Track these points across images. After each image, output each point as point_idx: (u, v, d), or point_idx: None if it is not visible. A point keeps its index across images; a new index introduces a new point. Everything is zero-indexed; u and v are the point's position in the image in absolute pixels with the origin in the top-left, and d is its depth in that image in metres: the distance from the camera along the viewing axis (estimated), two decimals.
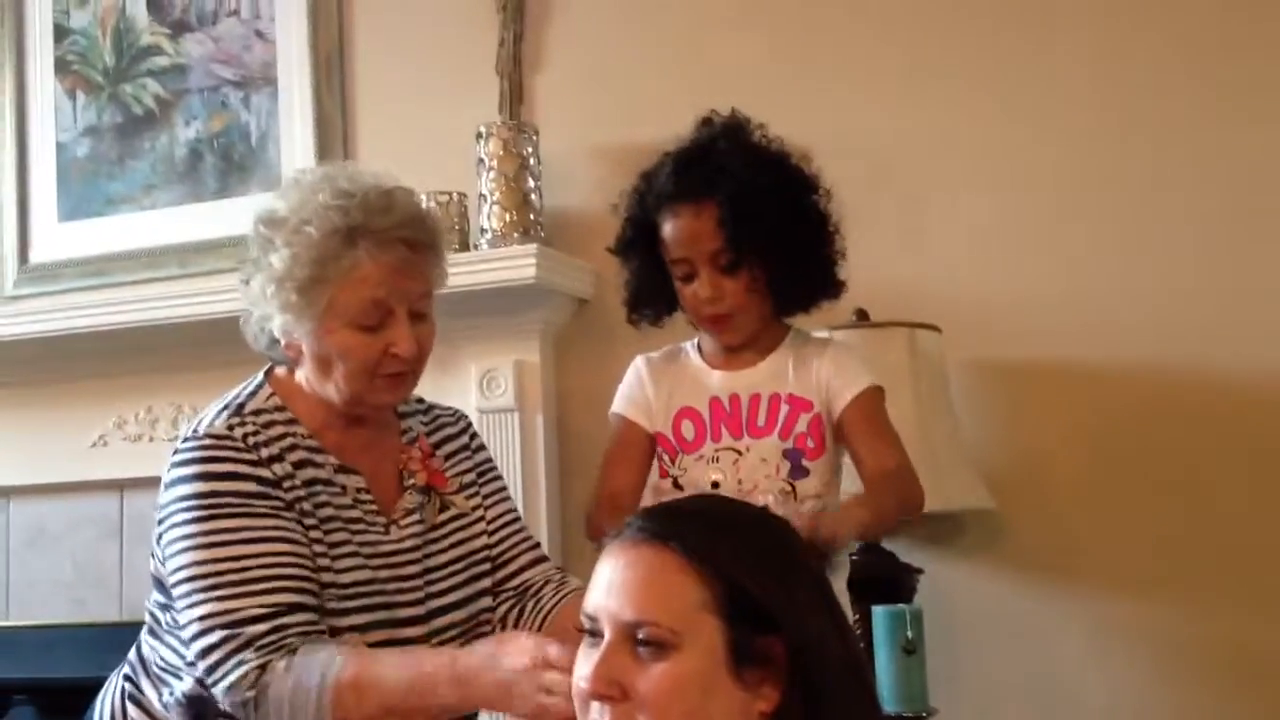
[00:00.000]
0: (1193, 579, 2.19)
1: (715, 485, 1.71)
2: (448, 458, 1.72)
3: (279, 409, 1.60)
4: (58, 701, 2.89)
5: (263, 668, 1.44)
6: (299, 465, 1.56)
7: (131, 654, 1.67)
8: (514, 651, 1.37)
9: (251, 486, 1.51)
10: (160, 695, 1.59)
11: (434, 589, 1.61)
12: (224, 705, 1.47)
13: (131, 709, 1.63)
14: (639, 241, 1.77)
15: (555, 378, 2.58)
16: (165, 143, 2.98)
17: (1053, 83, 2.34)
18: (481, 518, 1.71)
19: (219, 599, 1.47)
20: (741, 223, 1.66)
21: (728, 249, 1.67)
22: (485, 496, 1.73)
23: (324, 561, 1.52)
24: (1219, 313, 2.21)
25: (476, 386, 2.51)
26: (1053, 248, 2.32)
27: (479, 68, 2.69)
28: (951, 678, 2.23)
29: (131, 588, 2.85)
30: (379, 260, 1.54)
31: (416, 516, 1.63)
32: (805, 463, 1.71)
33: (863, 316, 2.19)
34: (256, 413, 1.58)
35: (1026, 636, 2.27)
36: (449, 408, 1.82)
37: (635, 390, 1.83)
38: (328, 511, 1.55)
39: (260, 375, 1.66)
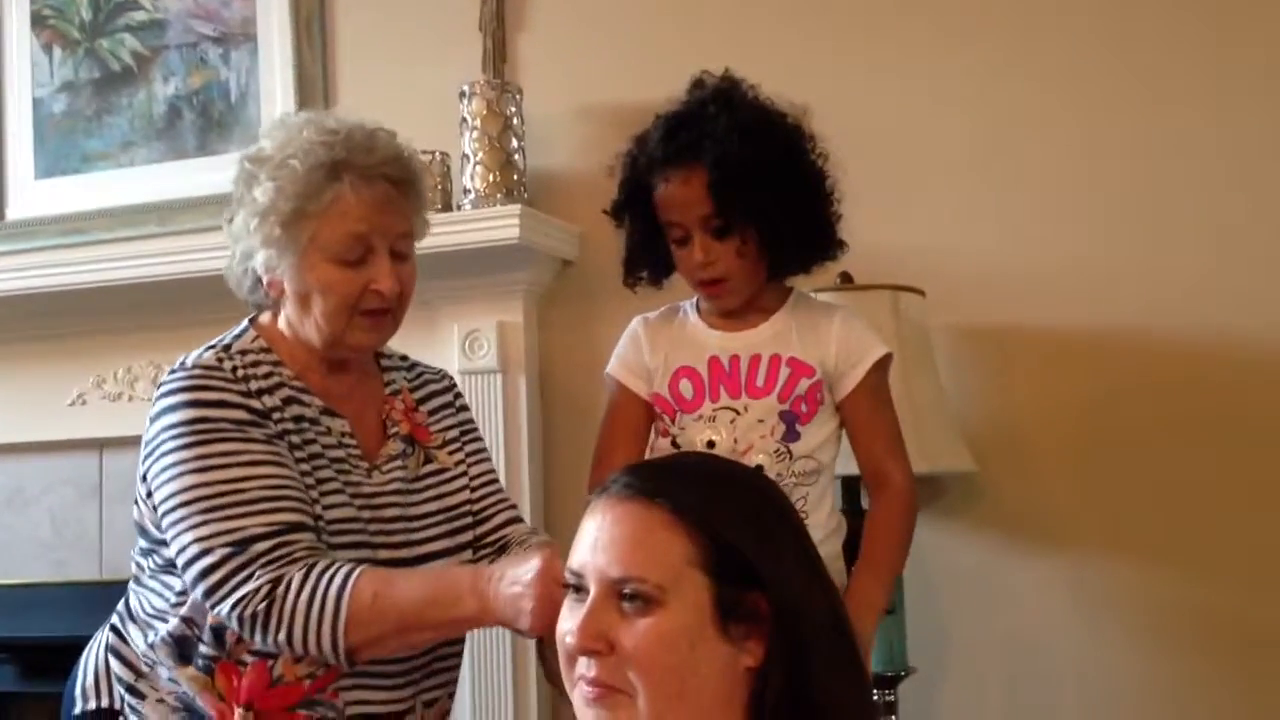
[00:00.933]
0: (1171, 544, 2.21)
1: (710, 445, 1.71)
2: (431, 413, 1.73)
3: (265, 350, 1.61)
4: (37, 660, 2.89)
5: (275, 581, 1.44)
6: (287, 402, 1.57)
7: (119, 605, 1.68)
8: (527, 568, 1.38)
9: (242, 415, 1.52)
10: (146, 638, 1.59)
11: (415, 536, 1.62)
12: (228, 622, 1.48)
13: (114, 662, 1.63)
14: (633, 204, 1.75)
15: (538, 339, 2.57)
16: (144, 99, 2.95)
17: (1042, 46, 2.34)
18: (465, 474, 1.72)
19: (219, 520, 1.47)
20: (731, 188, 1.64)
21: (718, 214, 1.66)
22: (468, 455, 1.74)
23: (313, 494, 1.53)
24: (1205, 279, 2.22)
25: (459, 347, 2.51)
26: (1038, 213, 2.32)
27: (462, 25, 2.66)
28: (931, 638, 2.26)
29: (111, 547, 2.85)
30: (361, 194, 1.55)
31: (399, 463, 1.64)
32: (799, 427, 1.71)
33: (846, 279, 2.19)
34: (243, 352, 1.59)
35: (1005, 598, 2.29)
36: (434, 367, 1.83)
37: (631, 353, 1.82)
38: (315, 449, 1.57)
39: (245, 322, 1.66)
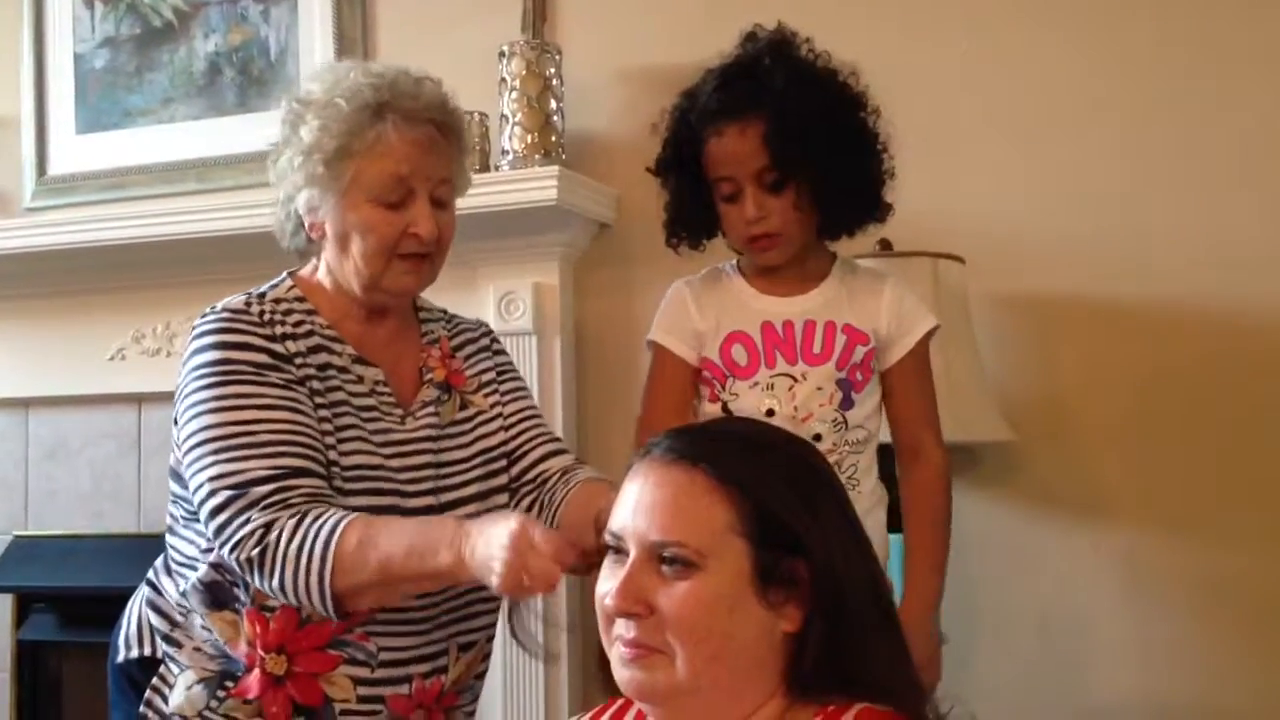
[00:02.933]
0: (1210, 517, 2.20)
1: (770, 413, 1.69)
2: (467, 358, 1.74)
3: (299, 299, 1.63)
4: (76, 610, 2.93)
5: (267, 526, 1.45)
6: (314, 350, 1.59)
7: (156, 560, 1.70)
8: (501, 529, 1.38)
9: (264, 358, 1.54)
10: (178, 586, 1.61)
11: (446, 482, 1.63)
12: (231, 564, 1.50)
13: (151, 614, 1.65)
14: (680, 161, 1.73)
15: (574, 301, 2.57)
16: (184, 56, 2.95)
17: (1082, 8, 2.30)
18: (500, 414, 1.72)
19: (227, 460, 1.49)
20: (787, 140, 1.62)
21: (773, 167, 1.64)
22: (504, 394, 1.74)
23: (329, 441, 1.54)
24: (1252, 247, 2.19)
25: (495, 308, 2.50)
26: (1079, 181, 2.29)
27: None
28: (963, 606, 2.25)
29: (149, 499, 2.89)
30: (405, 135, 1.57)
31: (432, 409, 1.66)
32: (854, 395, 1.70)
33: (886, 246, 2.17)
34: (276, 300, 1.61)
35: (1040, 569, 2.28)
36: (472, 319, 1.83)
37: (679, 317, 1.79)
38: (339, 396, 1.58)
39: (284, 274, 1.69)
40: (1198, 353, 2.21)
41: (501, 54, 2.52)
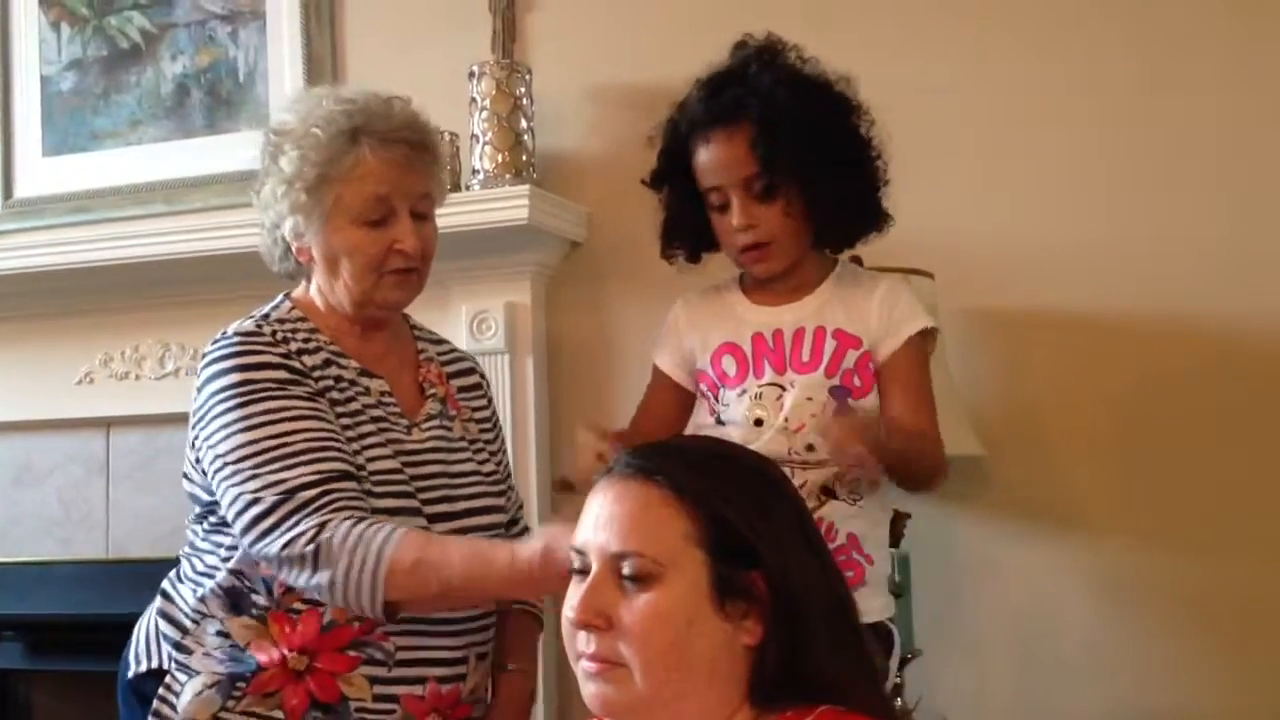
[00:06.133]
0: (1181, 528, 2.21)
1: (759, 423, 1.66)
2: (462, 389, 1.81)
3: (301, 319, 1.69)
4: (44, 637, 2.90)
5: (321, 526, 1.50)
6: (325, 364, 1.64)
7: (170, 573, 1.74)
8: (535, 544, 1.46)
9: (284, 374, 1.60)
10: (195, 593, 1.65)
11: (457, 493, 1.68)
12: (273, 567, 1.54)
13: (161, 623, 1.69)
14: (673, 173, 1.72)
15: (546, 320, 2.57)
16: (151, 77, 2.94)
17: (1052, 20, 2.32)
18: (495, 452, 1.80)
19: (268, 473, 1.54)
20: (775, 146, 1.61)
21: (761, 174, 1.62)
22: (491, 444, 1.81)
23: (354, 448, 1.60)
24: (1216, 262, 2.21)
25: (467, 328, 2.50)
26: (1047, 195, 2.31)
27: (471, 5, 2.65)
28: (938, 620, 2.26)
29: (118, 525, 2.85)
30: (381, 157, 1.63)
31: (437, 422, 1.71)
32: (853, 401, 1.66)
33: (855, 261, 2.17)
34: (281, 320, 1.67)
35: (1013, 581, 2.29)
36: (466, 355, 1.90)
37: (669, 337, 1.80)
38: (356, 406, 1.64)
39: (280, 296, 1.74)
40: (1167, 365, 2.23)
41: (471, 74, 2.52)
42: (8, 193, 3.03)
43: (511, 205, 2.40)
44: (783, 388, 1.67)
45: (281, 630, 1.59)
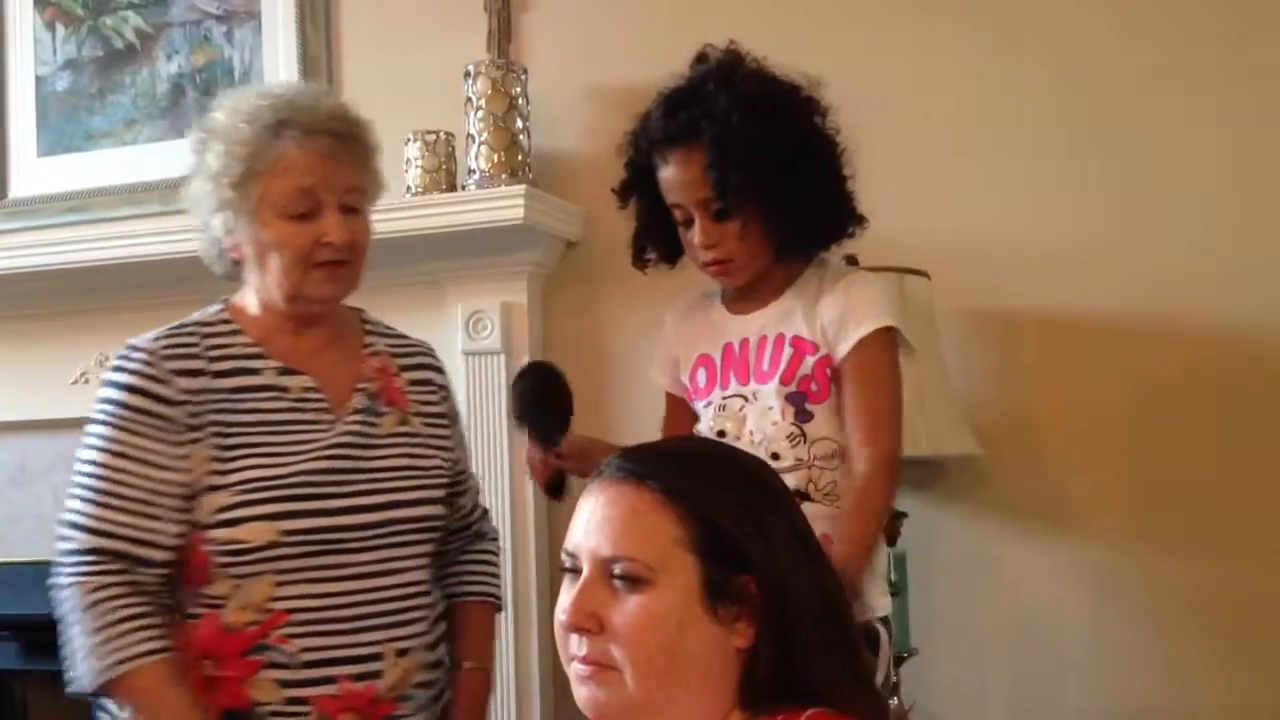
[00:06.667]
0: (1176, 528, 2.21)
1: (721, 435, 1.68)
2: (413, 383, 1.77)
3: (225, 322, 1.69)
4: (40, 638, 2.88)
5: (75, 585, 1.55)
6: (225, 374, 1.64)
7: None
8: None
9: (141, 401, 1.60)
10: None
11: (376, 488, 1.65)
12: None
13: None
14: (639, 185, 1.73)
15: (542, 320, 2.57)
16: (146, 77, 2.93)
17: (1048, 21, 2.32)
18: (446, 447, 1.77)
19: (75, 498, 1.60)
20: (728, 171, 1.60)
21: (717, 197, 1.63)
22: (438, 439, 1.77)
23: (225, 466, 1.60)
24: (1213, 261, 2.21)
25: (463, 328, 2.50)
26: (1044, 195, 2.30)
27: (467, 4, 2.64)
28: (933, 619, 2.26)
29: None
30: (305, 148, 1.62)
31: (361, 417, 1.68)
32: (809, 405, 1.66)
33: (851, 261, 2.16)
34: (200, 324, 1.68)
35: (1008, 580, 2.29)
36: (421, 342, 1.85)
37: (660, 349, 1.83)
38: (253, 417, 1.63)
39: (220, 300, 1.75)
40: (1165, 364, 2.23)
41: (467, 73, 2.52)
42: (2, 193, 3.02)
43: (507, 205, 2.40)
44: (745, 399, 1.69)
45: (186, 635, 1.60)
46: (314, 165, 1.62)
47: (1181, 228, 2.23)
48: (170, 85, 2.91)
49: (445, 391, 1.82)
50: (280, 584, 1.59)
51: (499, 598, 1.86)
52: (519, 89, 2.52)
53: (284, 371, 1.66)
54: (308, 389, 1.66)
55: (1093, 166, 2.29)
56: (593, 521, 1.15)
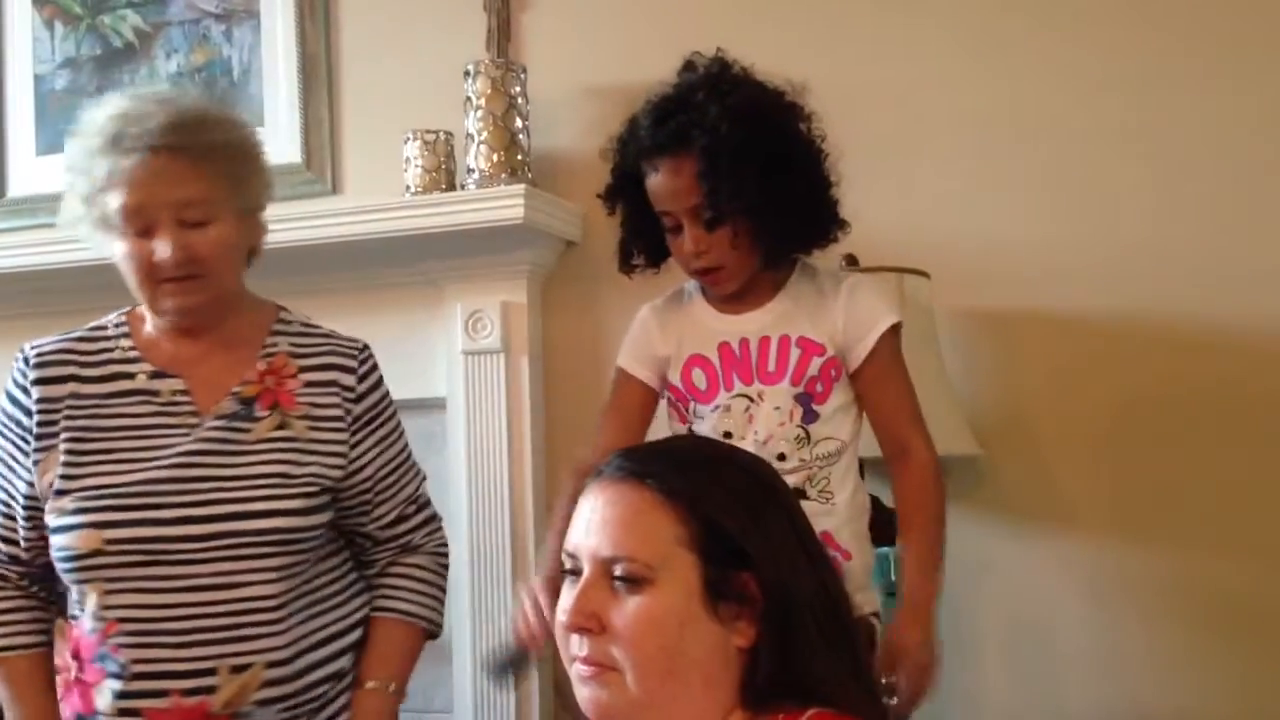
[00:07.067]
0: (1176, 527, 2.22)
1: (728, 436, 1.68)
2: (310, 384, 1.69)
3: (117, 325, 1.71)
4: None
5: None
6: (100, 380, 1.65)
7: None
8: None
9: (9, 407, 1.68)
10: None
11: (222, 496, 1.60)
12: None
13: None
14: (626, 190, 1.74)
15: (542, 319, 2.57)
16: (145, 76, 2.93)
17: (1043, 22, 2.32)
18: (335, 453, 1.67)
19: None
20: (719, 180, 1.61)
21: (707, 205, 1.63)
22: (321, 445, 1.67)
23: (75, 472, 1.61)
24: (1213, 262, 2.22)
25: (462, 328, 2.50)
26: (1043, 195, 2.31)
27: (466, 4, 2.64)
28: None
29: None
30: (134, 165, 1.57)
31: (225, 421, 1.64)
32: (815, 407, 1.69)
33: (851, 262, 2.18)
34: (96, 329, 1.71)
35: (1007, 580, 2.30)
36: (354, 342, 1.76)
37: (640, 343, 1.81)
38: (117, 422, 1.63)
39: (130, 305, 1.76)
40: (1163, 366, 2.23)
41: (466, 73, 2.52)
42: (1, 191, 3.02)
43: (507, 205, 2.40)
44: (751, 399, 1.69)
45: (65, 636, 1.64)
46: (141, 180, 1.57)
47: (1181, 228, 2.24)
48: (169, 84, 2.90)
49: (353, 393, 1.70)
50: (108, 592, 1.57)
51: (422, 617, 1.74)
52: (518, 88, 2.52)
53: (156, 375, 1.66)
54: (177, 392, 1.65)
55: (1093, 167, 2.29)
56: (593, 522, 1.15)
